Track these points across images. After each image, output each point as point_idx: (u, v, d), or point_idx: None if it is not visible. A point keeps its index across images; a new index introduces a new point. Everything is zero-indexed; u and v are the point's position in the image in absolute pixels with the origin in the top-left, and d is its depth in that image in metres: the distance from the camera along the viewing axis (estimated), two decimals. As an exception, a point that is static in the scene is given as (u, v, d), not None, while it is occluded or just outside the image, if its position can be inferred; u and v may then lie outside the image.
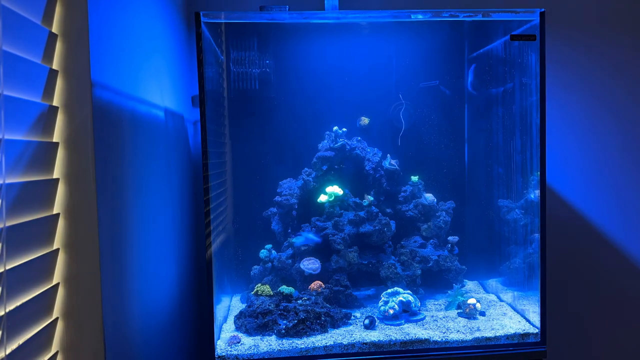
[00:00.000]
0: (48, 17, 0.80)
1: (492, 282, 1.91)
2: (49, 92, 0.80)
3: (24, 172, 0.73)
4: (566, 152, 2.03)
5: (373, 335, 1.50)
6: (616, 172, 2.05)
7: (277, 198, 1.85)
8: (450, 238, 1.85)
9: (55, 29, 0.82)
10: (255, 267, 1.79)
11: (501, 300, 1.78)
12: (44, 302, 0.78)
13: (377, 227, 1.77)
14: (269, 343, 1.47)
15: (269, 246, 1.80)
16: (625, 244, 2.07)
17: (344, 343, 1.46)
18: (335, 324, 1.56)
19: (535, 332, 1.53)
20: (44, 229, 0.79)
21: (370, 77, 1.91)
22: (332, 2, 1.75)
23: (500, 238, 1.87)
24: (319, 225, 1.78)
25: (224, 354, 1.42)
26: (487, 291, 1.89)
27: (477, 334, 1.51)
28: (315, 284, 1.69)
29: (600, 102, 2.03)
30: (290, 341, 1.47)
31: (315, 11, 1.81)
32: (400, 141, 1.89)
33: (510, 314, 1.65)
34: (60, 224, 0.83)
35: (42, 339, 0.77)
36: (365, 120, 1.91)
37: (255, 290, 1.67)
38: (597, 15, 2.01)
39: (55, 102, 0.82)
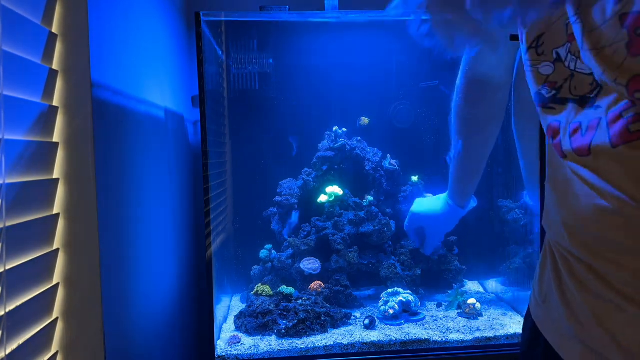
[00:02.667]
0: (48, 17, 0.80)
1: (492, 282, 1.91)
2: (49, 92, 0.80)
3: (24, 172, 0.73)
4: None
5: (373, 335, 1.50)
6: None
7: (277, 198, 1.85)
8: (449, 238, 1.85)
9: (55, 29, 0.82)
10: (255, 267, 1.79)
11: (501, 300, 1.78)
12: (44, 302, 0.78)
13: (377, 227, 1.77)
14: (269, 343, 1.47)
15: (269, 246, 1.80)
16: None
17: (344, 343, 1.46)
18: (335, 324, 1.56)
19: (535, 332, 1.53)
20: (44, 229, 0.79)
21: (370, 76, 1.91)
22: (332, 2, 1.75)
23: (500, 238, 1.87)
24: (319, 225, 1.78)
25: (224, 354, 1.42)
26: (487, 291, 1.89)
27: (477, 334, 1.51)
28: (315, 284, 1.69)
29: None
30: (290, 341, 1.47)
31: (315, 11, 1.81)
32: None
33: (510, 314, 1.65)
34: (60, 224, 0.83)
35: (42, 339, 0.77)
36: (365, 120, 1.91)
37: (255, 290, 1.67)
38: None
39: (55, 102, 0.82)
